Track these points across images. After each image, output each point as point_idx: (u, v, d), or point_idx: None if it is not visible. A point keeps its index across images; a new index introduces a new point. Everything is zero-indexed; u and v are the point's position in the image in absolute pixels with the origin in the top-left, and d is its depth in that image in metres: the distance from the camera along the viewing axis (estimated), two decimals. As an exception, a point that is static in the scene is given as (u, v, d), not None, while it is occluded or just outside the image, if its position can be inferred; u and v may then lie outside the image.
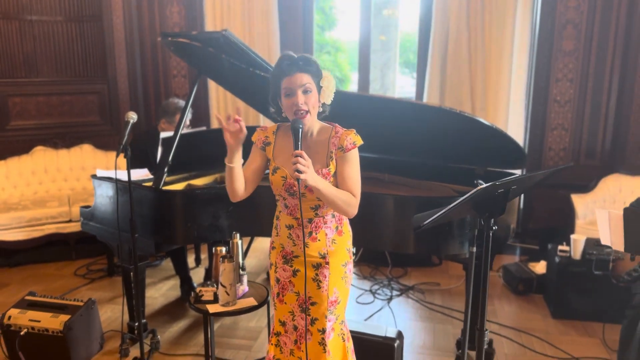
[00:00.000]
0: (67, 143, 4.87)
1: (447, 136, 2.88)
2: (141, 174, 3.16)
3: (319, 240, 1.88)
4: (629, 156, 4.14)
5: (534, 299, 3.66)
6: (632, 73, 4.07)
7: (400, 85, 6.62)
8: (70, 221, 4.28)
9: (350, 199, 1.79)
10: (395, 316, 3.40)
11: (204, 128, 4.28)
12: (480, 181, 2.77)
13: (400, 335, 2.48)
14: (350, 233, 1.99)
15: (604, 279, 3.18)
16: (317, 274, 1.89)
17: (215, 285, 2.44)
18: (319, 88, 1.79)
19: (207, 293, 2.43)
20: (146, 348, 2.80)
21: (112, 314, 3.42)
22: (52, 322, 2.65)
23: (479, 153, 2.95)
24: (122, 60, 4.94)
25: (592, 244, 3.33)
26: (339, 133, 1.82)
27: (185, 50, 2.99)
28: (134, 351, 2.89)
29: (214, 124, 4.99)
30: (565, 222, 4.09)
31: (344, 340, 2.00)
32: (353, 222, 1.99)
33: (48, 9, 4.72)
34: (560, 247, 3.43)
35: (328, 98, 1.82)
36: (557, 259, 3.35)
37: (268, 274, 2.92)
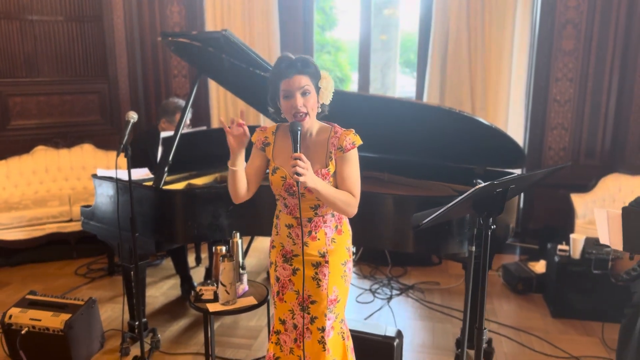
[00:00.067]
0: (68, 142, 4.88)
1: (447, 136, 2.89)
2: (141, 174, 3.17)
3: (319, 239, 1.89)
4: (629, 156, 4.15)
5: (534, 298, 3.66)
6: (631, 73, 4.07)
7: (401, 85, 6.61)
8: (71, 220, 4.29)
9: (350, 199, 1.80)
10: (395, 315, 3.41)
11: (204, 127, 4.29)
12: (479, 180, 2.79)
13: (399, 334, 2.49)
14: (350, 232, 2.00)
15: (603, 278, 3.18)
16: (316, 273, 1.90)
17: (216, 284, 2.45)
18: (318, 89, 1.79)
19: (208, 292, 2.44)
20: (146, 347, 2.81)
21: (112, 313, 3.43)
22: (53, 321, 2.66)
23: (478, 153, 2.95)
24: (123, 60, 4.95)
25: (592, 243, 3.33)
26: (338, 133, 1.83)
27: (186, 50, 3.00)
28: (135, 350, 2.90)
29: (214, 124, 5.00)
30: (565, 221, 4.09)
31: (343, 339, 2.01)
32: (353, 221, 2.00)
33: (49, 8, 4.73)
34: (559, 247, 3.44)
35: (327, 99, 1.82)
36: (556, 259, 3.36)
37: (268, 273, 2.93)
